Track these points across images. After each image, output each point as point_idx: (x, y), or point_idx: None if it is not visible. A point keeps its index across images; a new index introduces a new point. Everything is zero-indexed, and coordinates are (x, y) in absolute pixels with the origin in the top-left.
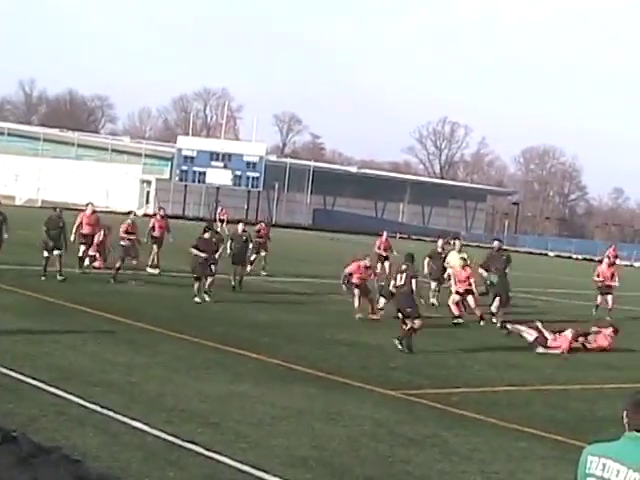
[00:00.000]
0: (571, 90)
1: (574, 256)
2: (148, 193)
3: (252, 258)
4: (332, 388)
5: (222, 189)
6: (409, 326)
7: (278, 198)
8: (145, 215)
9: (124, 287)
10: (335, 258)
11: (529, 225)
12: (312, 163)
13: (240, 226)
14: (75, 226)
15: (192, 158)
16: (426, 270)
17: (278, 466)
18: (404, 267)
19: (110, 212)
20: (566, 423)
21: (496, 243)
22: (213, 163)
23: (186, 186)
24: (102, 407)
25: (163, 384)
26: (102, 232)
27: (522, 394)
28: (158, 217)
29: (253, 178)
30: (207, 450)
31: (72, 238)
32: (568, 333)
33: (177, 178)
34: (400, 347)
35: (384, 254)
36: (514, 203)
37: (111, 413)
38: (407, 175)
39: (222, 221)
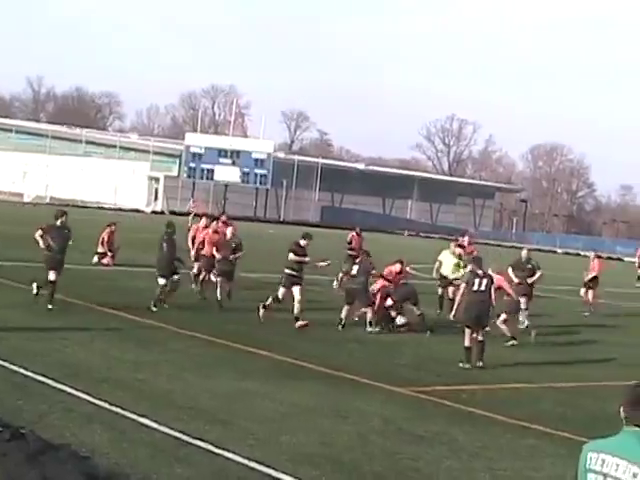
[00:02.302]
0: (580, 87)
1: (582, 253)
2: (156, 190)
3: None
4: (341, 385)
5: (230, 186)
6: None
7: (286, 195)
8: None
9: (132, 284)
10: (344, 255)
11: (537, 222)
12: (320, 160)
13: (229, 230)
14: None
15: (200, 155)
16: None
17: (286, 463)
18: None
19: (118, 209)
20: (575, 421)
21: (524, 252)
22: (221, 160)
23: (194, 183)
24: (110, 404)
25: (172, 381)
26: (109, 229)
27: (531, 391)
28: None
29: (261, 175)
30: (215, 447)
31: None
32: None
33: (185, 175)
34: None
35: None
36: (522, 200)
37: (119, 410)
38: (415, 172)
39: (194, 215)
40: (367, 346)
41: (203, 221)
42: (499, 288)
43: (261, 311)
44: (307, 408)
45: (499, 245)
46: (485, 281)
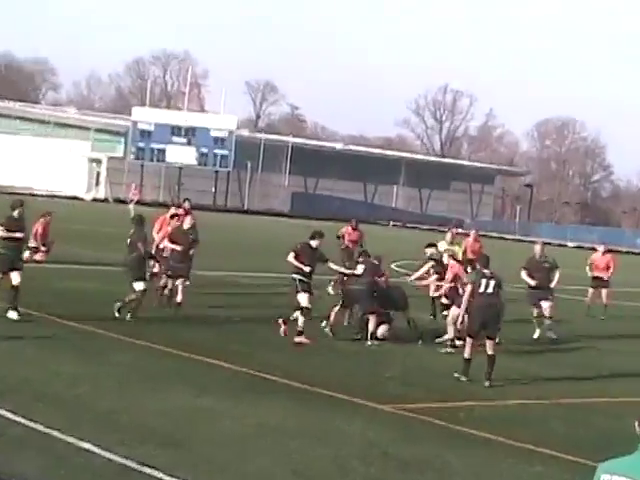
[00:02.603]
0: (593, 53)
1: (597, 247)
2: (98, 174)
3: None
4: (314, 402)
5: (185, 169)
6: None
7: (251, 180)
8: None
9: (70, 285)
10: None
11: (545, 211)
12: (290, 139)
13: (188, 219)
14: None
15: (149, 133)
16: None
17: None
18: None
19: (53, 196)
20: (588, 442)
21: (537, 247)
22: (174, 139)
23: (143, 166)
24: (45, 426)
25: (116, 398)
26: (43, 219)
27: (538, 409)
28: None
29: (221, 156)
30: (167, 475)
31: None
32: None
33: (132, 156)
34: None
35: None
36: (527, 185)
37: (55, 433)
38: (402, 153)
39: (134, 202)
40: (346, 356)
41: (172, 210)
42: (454, 280)
43: (282, 327)
44: (275, 429)
45: (501, 238)
46: (493, 282)
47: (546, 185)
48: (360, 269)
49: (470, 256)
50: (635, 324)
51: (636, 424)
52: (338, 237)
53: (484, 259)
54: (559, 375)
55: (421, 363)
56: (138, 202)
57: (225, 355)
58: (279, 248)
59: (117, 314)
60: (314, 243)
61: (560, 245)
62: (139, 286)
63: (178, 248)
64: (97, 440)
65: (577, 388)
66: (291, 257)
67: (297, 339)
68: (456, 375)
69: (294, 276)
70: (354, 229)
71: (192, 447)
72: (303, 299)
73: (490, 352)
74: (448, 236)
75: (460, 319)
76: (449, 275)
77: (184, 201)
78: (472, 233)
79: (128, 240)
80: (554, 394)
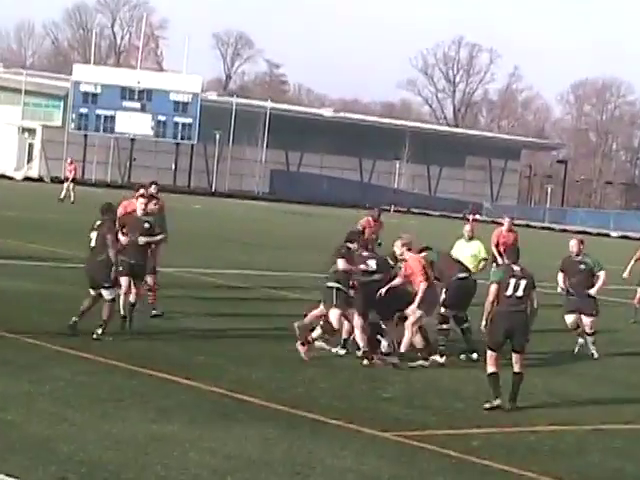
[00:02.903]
0: None
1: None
2: (31, 147)
3: None
4: (298, 428)
5: (139, 141)
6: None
7: (220, 155)
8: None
9: None
10: (301, 242)
11: (582, 193)
12: (269, 104)
13: (140, 202)
14: None
15: (95, 96)
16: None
17: None
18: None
19: None
20: (637, 479)
21: (573, 244)
22: (125, 104)
23: (86, 137)
24: None
25: (54, 424)
26: None
27: (573, 437)
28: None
29: (184, 125)
30: None
31: None
32: None
33: (73, 125)
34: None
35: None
36: (560, 161)
37: None
38: (406, 121)
39: (69, 180)
40: (335, 372)
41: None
42: (408, 277)
43: (301, 348)
44: (250, 462)
45: (527, 225)
46: (523, 283)
47: (584, 161)
48: (372, 263)
49: (502, 249)
50: None
51: None
52: (361, 232)
53: (514, 253)
54: (599, 396)
55: (427, 379)
56: (75, 181)
57: (191, 371)
58: (255, 238)
59: (97, 336)
60: (352, 245)
61: (601, 235)
62: (110, 294)
63: (124, 240)
64: (30, 475)
65: (621, 411)
66: (342, 263)
67: (300, 346)
68: (487, 406)
69: (332, 284)
70: (376, 220)
71: None
72: (334, 317)
73: (517, 369)
74: (467, 229)
75: (484, 323)
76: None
77: (150, 185)
78: (506, 222)
79: (93, 234)
80: (593, 419)
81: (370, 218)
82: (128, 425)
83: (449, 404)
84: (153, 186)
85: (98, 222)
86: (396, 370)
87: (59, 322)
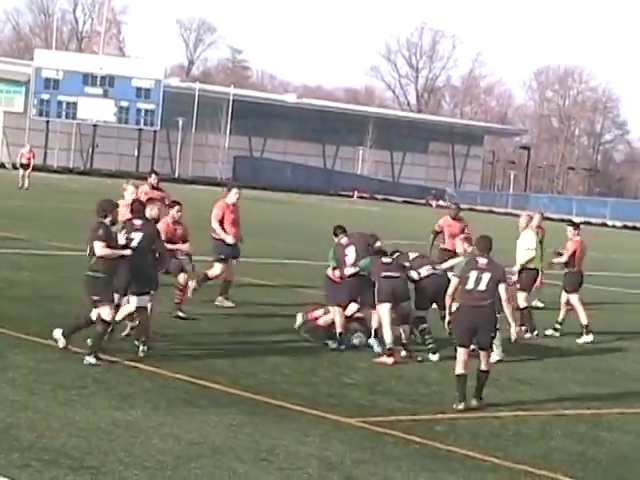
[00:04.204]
0: None
1: (610, 222)
2: None
3: None
4: (262, 415)
5: (101, 128)
6: None
7: (183, 141)
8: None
9: None
10: (264, 229)
11: (545, 179)
12: (232, 90)
13: (134, 191)
14: None
15: (57, 82)
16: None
17: None
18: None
19: None
20: (599, 463)
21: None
22: (88, 90)
23: (48, 123)
24: None
25: (17, 411)
26: None
27: (537, 422)
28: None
29: (146, 111)
30: None
31: None
32: None
33: (35, 111)
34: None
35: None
36: (523, 147)
37: None
38: (369, 107)
39: (24, 167)
40: (300, 358)
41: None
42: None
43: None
44: (214, 448)
45: (490, 211)
46: (486, 276)
47: (547, 147)
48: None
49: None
50: None
51: None
52: (435, 233)
53: (482, 242)
54: (563, 381)
55: (391, 367)
56: (30, 167)
57: (155, 357)
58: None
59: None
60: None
61: (563, 221)
62: (139, 302)
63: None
64: None
65: (584, 396)
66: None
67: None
68: (454, 407)
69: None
70: (454, 218)
71: (113, 471)
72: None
73: (482, 367)
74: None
75: (448, 319)
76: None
77: (150, 174)
78: (536, 217)
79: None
80: (556, 404)
81: (448, 217)
82: (92, 412)
83: (413, 390)
84: (153, 176)
85: (103, 219)
86: (360, 356)
87: (20, 309)
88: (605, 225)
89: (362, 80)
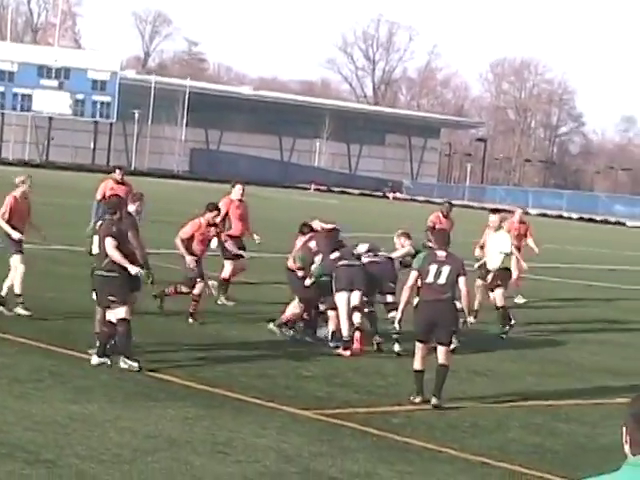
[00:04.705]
0: None
1: (566, 214)
2: None
3: None
4: (219, 407)
5: (56, 120)
6: None
7: (139, 133)
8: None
9: None
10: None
11: (502, 171)
12: (188, 82)
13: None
14: None
15: (11, 74)
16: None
17: None
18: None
19: None
20: (556, 454)
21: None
22: (43, 82)
23: (3, 115)
24: None
25: None
26: None
27: (494, 413)
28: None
29: (102, 104)
30: None
31: None
32: None
33: None
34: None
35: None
36: (479, 139)
37: None
38: (326, 100)
39: None
40: (257, 350)
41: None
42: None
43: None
44: (170, 441)
45: (497, 210)
46: (446, 269)
47: (503, 139)
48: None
49: (514, 244)
50: (609, 310)
51: (624, 432)
52: (431, 230)
53: (440, 236)
54: (519, 373)
55: (348, 359)
56: None
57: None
58: (174, 219)
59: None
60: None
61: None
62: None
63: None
64: None
65: (541, 388)
66: None
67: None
68: (411, 399)
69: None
70: (445, 216)
71: (69, 464)
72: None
73: (441, 361)
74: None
75: (399, 316)
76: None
77: (114, 170)
78: (517, 212)
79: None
80: (513, 395)
81: (440, 214)
82: (48, 405)
83: (370, 382)
84: (117, 171)
85: (113, 215)
86: (318, 349)
87: None
88: (561, 217)
89: (319, 72)
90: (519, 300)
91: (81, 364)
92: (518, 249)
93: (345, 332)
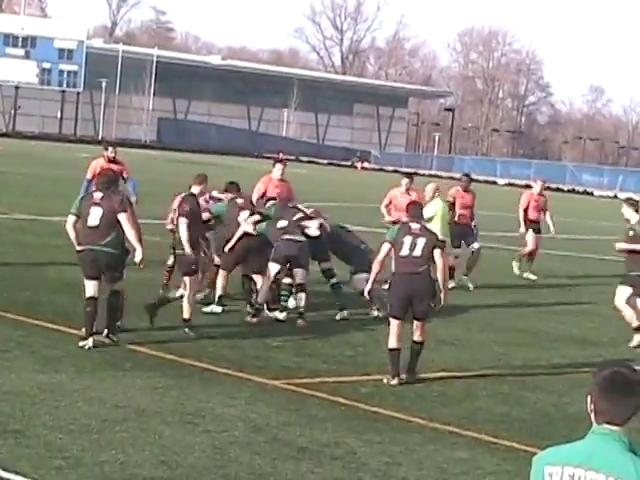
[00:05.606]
0: None
1: (534, 184)
2: None
3: None
4: (188, 377)
5: (23, 89)
6: None
7: (106, 103)
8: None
9: None
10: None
11: (470, 141)
12: (155, 51)
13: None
14: None
15: None
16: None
17: None
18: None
19: None
20: (523, 423)
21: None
22: (9, 51)
23: None
24: None
25: None
26: None
27: (461, 383)
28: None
29: (69, 73)
30: (5, 471)
31: None
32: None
33: None
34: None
35: None
36: (447, 109)
37: None
38: (294, 69)
39: None
40: (225, 321)
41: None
42: None
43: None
44: (139, 411)
45: (415, 173)
46: (422, 241)
47: (471, 109)
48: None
49: (533, 217)
50: (577, 280)
51: (589, 401)
52: (451, 205)
53: (414, 208)
54: (487, 342)
55: (317, 329)
56: None
57: (77, 320)
58: (145, 189)
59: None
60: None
61: (488, 182)
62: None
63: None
64: None
65: (509, 357)
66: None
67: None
68: (385, 382)
69: None
70: (466, 190)
71: (37, 435)
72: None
73: (416, 337)
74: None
75: (368, 287)
76: None
77: (106, 148)
78: (538, 184)
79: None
80: (481, 365)
81: (460, 188)
82: (15, 376)
83: (338, 352)
84: (110, 149)
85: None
86: (287, 319)
87: None
88: (529, 187)
89: (287, 42)
90: (531, 276)
91: (48, 335)
92: (537, 222)
93: (260, 300)
